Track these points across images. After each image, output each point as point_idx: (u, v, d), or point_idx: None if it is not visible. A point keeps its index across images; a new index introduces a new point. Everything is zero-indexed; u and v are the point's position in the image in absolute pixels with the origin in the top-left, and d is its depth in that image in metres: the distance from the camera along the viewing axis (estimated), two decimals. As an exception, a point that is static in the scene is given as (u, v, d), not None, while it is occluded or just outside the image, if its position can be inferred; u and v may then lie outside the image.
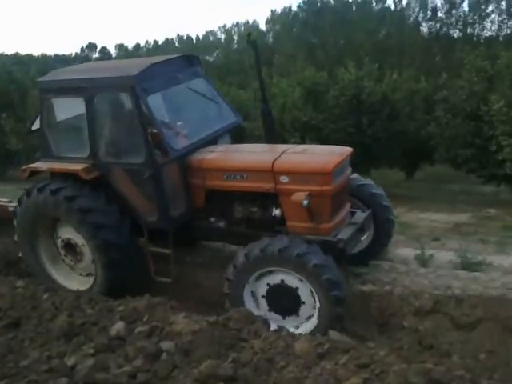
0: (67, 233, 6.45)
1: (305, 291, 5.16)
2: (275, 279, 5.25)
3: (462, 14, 57.04)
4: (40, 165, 6.50)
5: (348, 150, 5.91)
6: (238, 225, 6.09)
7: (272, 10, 70.21)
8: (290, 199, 5.38)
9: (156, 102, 5.95)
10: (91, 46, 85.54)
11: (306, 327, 5.22)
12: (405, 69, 27.93)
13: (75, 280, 6.64)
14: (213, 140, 6.55)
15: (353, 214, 6.18)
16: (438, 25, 59.14)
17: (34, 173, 6.59)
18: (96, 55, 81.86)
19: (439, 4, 58.54)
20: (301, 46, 48.42)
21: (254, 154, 6.33)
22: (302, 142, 15.36)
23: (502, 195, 15.16)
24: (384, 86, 17.14)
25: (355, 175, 6.56)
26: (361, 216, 6.09)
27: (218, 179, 5.91)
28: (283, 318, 5.34)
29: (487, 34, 58.05)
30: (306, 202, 5.24)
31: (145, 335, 4.52)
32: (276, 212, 5.76)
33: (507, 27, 58.93)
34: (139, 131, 5.68)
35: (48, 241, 6.72)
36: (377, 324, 5.85)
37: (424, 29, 59.07)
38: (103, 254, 6.01)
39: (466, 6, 57.28)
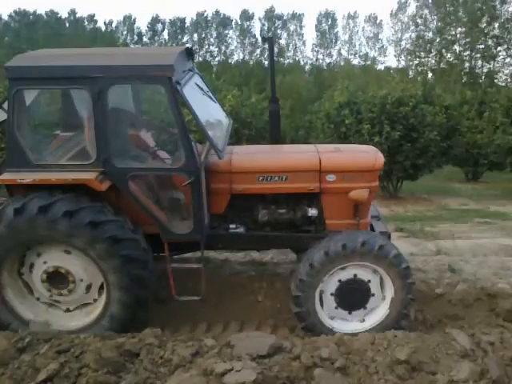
0: (54, 260, 4.99)
1: (375, 283, 5.09)
2: (347, 275, 5.07)
3: (163, 40, 64.45)
4: (19, 176, 4.78)
5: (374, 148, 5.91)
6: (261, 229, 5.65)
7: (-23, 17, 65.26)
8: (338, 197, 5.39)
9: (189, 97, 5.00)
10: None
11: (372, 319, 5.18)
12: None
13: (57, 317, 5.21)
14: None
15: None
16: (145, 48, 64.47)
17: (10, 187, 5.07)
18: None
19: (143, 30, 64.92)
20: (13, 55, 48.35)
21: (292, 154, 5.93)
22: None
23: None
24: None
25: None
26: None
27: (249, 182, 5.39)
28: (349, 313, 5.20)
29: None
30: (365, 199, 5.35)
31: None
32: (312, 212, 5.52)
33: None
34: (178, 130, 4.83)
35: (13, 275, 5.10)
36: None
37: (135, 51, 63.52)
38: (128, 292, 4.94)
39: (166, 35, 64.97)
